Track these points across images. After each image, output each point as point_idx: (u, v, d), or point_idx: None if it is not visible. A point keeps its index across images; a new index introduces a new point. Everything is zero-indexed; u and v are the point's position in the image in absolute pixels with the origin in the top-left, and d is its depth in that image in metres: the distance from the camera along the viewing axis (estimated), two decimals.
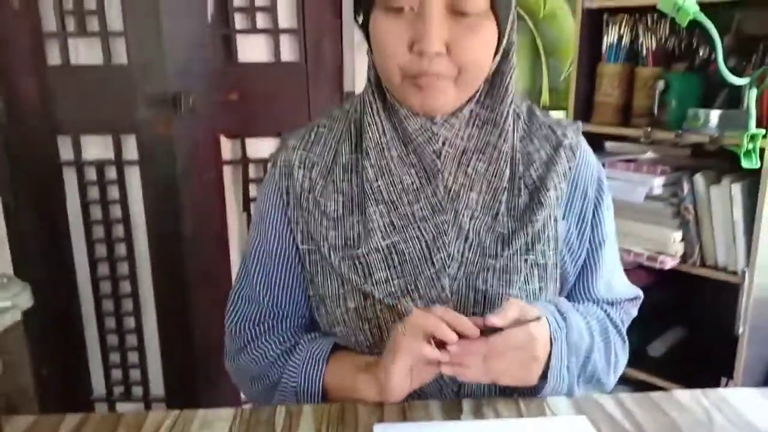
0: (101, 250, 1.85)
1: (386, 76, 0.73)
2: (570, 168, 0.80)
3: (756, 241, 1.32)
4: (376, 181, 0.77)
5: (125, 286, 1.88)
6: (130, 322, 1.90)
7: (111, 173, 1.82)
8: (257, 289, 0.85)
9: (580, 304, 0.85)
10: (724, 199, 1.38)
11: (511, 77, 0.76)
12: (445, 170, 0.76)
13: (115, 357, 1.93)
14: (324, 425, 0.70)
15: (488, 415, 0.72)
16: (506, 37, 0.72)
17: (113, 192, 1.83)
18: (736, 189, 1.36)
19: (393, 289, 0.76)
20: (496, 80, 0.76)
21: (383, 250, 0.76)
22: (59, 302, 1.83)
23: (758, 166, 1.30)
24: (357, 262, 0.77)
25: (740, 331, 1.34)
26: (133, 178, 1.83)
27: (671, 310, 1.70)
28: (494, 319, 0.68)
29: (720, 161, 1.46)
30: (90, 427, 0.70)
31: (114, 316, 1.89)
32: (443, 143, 0.76)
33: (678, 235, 1.45)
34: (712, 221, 1.41)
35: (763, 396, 0.77)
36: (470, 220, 0.77)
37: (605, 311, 0.86)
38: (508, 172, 0.77)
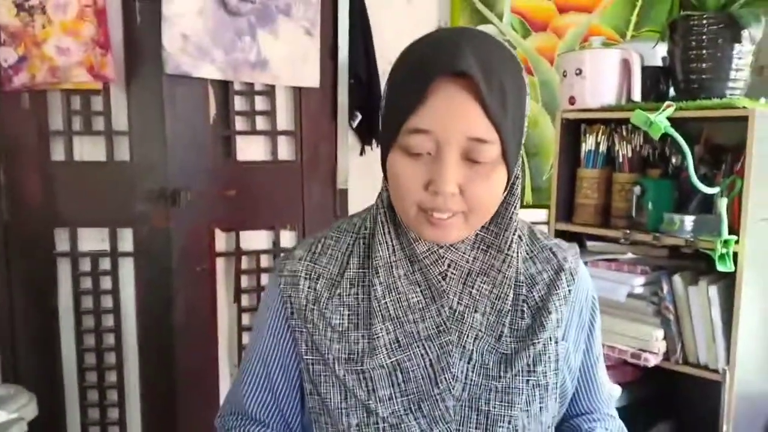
0: (89, 339, 1.85)
1: (401, 208, 0.76)
2: (570, 291, 0.84)
3: (734, 340, 1.37)
4: (384, 298, 0.79)
5: (111, 376, 1.87)
6: (114, 413, 1.87)
7: (105, 264, 1.85)
8: (246, 397, 0.86)
9: (599, 422, 0.90)
10: (702, 300, 1.43)
11: (515, 207, 0.80)
12: (450, 291, 0.80)
13: None
14: None
15: None
16: (514, 176, 0.77)
17: (106, 283, 1.86)
18: (713, 290, 1.41)
19: (396, 408, 0.78)
20: (500, 209, 0.79)
21: (388, 366, 0.78)
22: (42, 389, 1.80)
23: (732, 269, 1.36)
24: (362, 377, 0.78)
25: (724, 429, 1.36)
26: (127, 269, 1.86)
27: (657, 406, 1.71)
28: None
29: (697, 261, 1.52)
30: None
31: (98, 406, 1.86)
32: (449, 265, 0.80)
33: (660, 333, 1.49)
34: (692, 320, 1.45)
35: None
36: (474, 340, 0.80)
37: (613, 418, 0.92)
38: (511, 294, 0.81)
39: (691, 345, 1.47)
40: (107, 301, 1.86)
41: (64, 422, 1.86)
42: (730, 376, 1.36)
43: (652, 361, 1.47)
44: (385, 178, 0.79)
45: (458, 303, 0.80)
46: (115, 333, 1.86)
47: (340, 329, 0.80)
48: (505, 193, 0.78)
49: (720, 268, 1.36)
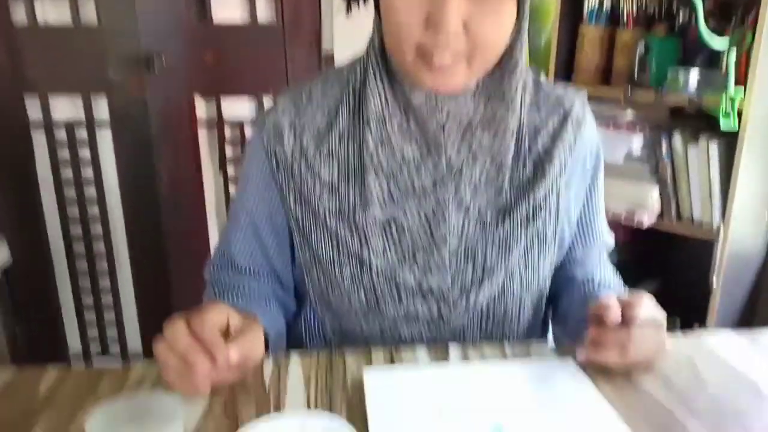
0: (73, 210, 1.82)
1: (397, 51, 0.69)
2: (575, 140, 0.79)
3: (731, 198, 1.35)
4: (376, 152, 0.74)
5: (99, 246, 1.85)
6: (105, 282, 1.88)
7: (81, 134, 1.78)
8: (235, 251, 0.84)
9: (594, 273, 0.87)
10: (701, 158, 1.40)
11: (521, 50, 0.72)
12: (448, 144, 0.75)
13: (90, 316, 1.91)
14: (312, 373, 0.70)
15: (474, 358, 0.73)
16: (525, 15, 0.69)
17: (84, 153, 1.79)
18: (713, 148, 1.38)
19: (391, 260, 0.76)
20: (506, 53, 0.71)
21: (381, 221, 0.75)
22: (31, 261, 1.80)
23: (736, 128, 1.32)
24: (354, 230, 0.75)
25: (714, 285, 1.38)
26: (105, 139, 1.79)
27: (648, 266, 1.73)
28: (613, 316, 0.65)
29: (698, 120, 1.48)
30: (71, 382, 0.68)
31: (88, 275, 1.87)
32: (448, 116, 0.74)
33: (655, 192, 1.47)
34: (689, 179, 1.43)
35: (740, 337, 0.79)
36: (472, 194, 0.76)
37: (605, 266, 0.90)
38: (513, 146, 0.76)
39: (686, 204, 1.46)
40: (87, 173, 1.80)
41: (56, 294, 1.86)
42: (724, 232, 1.36)
43: (647, 221, 1.46)
44: (378, 16, 0.71)
45: (456, 156, 0.75)
46: (99, 203, 1.82)
47: (330, 183, 0.76)
48: (512, 34, 0.70)
49: (723, 127, 1.32)
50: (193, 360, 0.58)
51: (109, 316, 1.92)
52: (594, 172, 0.85)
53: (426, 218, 0.75)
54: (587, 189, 0.85)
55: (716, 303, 1.40)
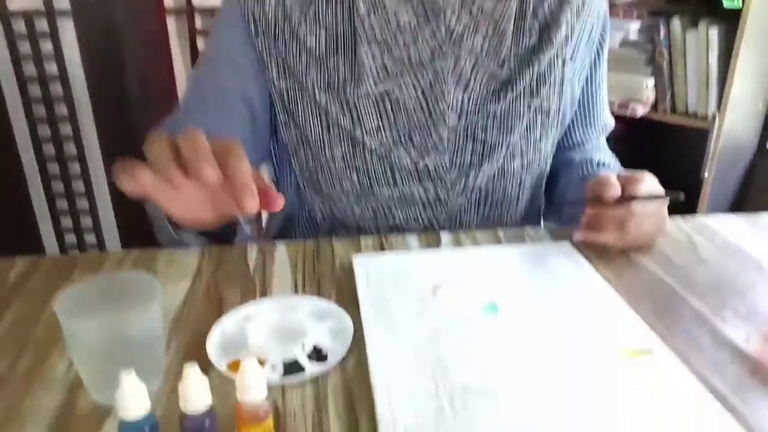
0: (39, 110, 1.72)
1: None
2: (583, 3, 0.73)
3: (729, 86, 1.31)
4: (368, 17, 0.68)
5: (70, 148, 1.77)
6: (79, 186, 1.81)
7: (42, 26, 1.65)
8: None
9: (592, 154, 0.83)
10: (699, 44, 1.34)
11: None
12: (447, 8, 0.68)
13: (66, 222, 1.85)
14: (300, 260, 0.67)
15: (467, 244, 0.70)
16: None
17: (46, 47, 1.67)
18: (713, 33, 1.32)
19: (385, 138, 0.71)
20: None
21: (375, 96, 0.69)
22: None
23: (740, 6, 1.25)
24: (345, 106, 0.70)
25: (706, 175, 1.36)
26: (67, 30, 1.67)
27: (639, 156, 1.71)
28: (613, 192, 0.61)
29: (698, 5, 1.40)
30: (43, 270, 0.64)
31: (61, 179, 1.79)
32: None
33: (650, 81, 1.42)
34: (686, 66, 1.38)
35: (740, 219, 0.77)
36: (473, 66, 0.70)
37: (604, 149, 0.87)
38: (516, 11, 0.70)
39: (681, 93, 1.41)
40: (51, 69, 1.69)
41: (29, 200, 1.80)
42: (719, 121, 1.32)
43: (640, 110, 1.42)
44: None
45: (456, 23, 0.69)
46: (66, 101, 1.72)
47: (318, 54, 0.69)
48: None
49: (726, 4, 1.25)
50: (201, 166, 0.46)
51: (86, 221, 1.86)
52: (600, 45, 0.79)
53: (423, 93, 0.70)
54: (591, 62, 0.79)
55: (708, 193, 1.39)
